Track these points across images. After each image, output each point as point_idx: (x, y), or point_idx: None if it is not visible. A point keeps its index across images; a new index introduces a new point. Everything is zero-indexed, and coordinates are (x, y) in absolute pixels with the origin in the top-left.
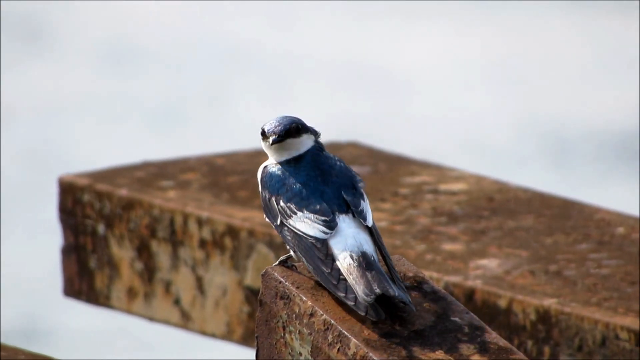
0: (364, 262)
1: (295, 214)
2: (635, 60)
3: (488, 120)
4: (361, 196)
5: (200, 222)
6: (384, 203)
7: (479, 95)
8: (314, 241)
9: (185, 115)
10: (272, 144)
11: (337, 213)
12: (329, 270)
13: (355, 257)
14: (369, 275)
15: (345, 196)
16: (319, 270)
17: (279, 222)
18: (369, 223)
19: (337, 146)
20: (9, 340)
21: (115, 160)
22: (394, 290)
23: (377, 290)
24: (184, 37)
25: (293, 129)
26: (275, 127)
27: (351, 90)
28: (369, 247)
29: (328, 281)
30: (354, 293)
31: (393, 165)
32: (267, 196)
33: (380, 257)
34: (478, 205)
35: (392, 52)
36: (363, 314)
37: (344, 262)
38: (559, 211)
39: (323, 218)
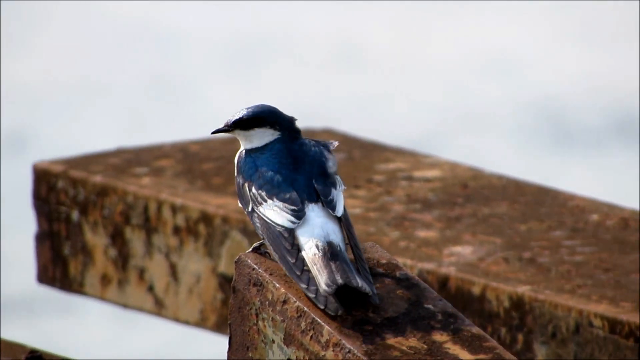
0: (329, 252)
1: (266, 201)
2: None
3: (479, 100)
4: (333, 185)
5: (174, 209)
6: (359, 190)
7: (469, 75)
8: (281, 230)
9: (154, 101)
10: (211, 132)
11: (306, 202)
12: (294, 261)
13: (320, 247)
14: (333, 266)
15: (315, 185)
16: (284, 259)
17: (250, 208)
18: (338, 213)
19: (311, 133)
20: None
21: (88, 147)
22: (357, 281)
23: (340, 281)
24: (152, 23)
25: (244, 121)
26: (232, 116)
27: (329, 71)
28: (336, 237)
29: (292, 271)
30: (316, 285)
31: (367, 152)
32: (241, 182)
33: (350, 247)
34: (452, 192)
35: (368, 30)
36: (322, 307)
37: (310, 252)
38: (533, 198)
39: (292, 207)
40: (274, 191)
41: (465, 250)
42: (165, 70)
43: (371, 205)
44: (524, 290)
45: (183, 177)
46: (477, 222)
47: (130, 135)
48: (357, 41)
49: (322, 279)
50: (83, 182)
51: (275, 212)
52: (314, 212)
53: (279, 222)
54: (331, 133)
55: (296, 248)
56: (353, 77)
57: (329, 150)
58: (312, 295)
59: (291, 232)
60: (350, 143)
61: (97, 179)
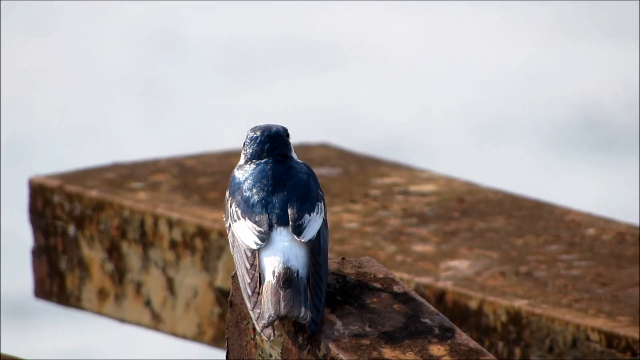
0: (282, 279)
1: (239, 219)
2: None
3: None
4: (309, 210)
5: (170, 224)
6: (355, 204)
7: (453, 71)
8: (246, 249)
9: (131, 120)
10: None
11: (275, 226)
12: (249, 281)
13: (276, 273)
14: (282, 294)
15: (289, 209)
16: (242, 278)
17: (228, 223)
18: (303, 238)
19: (307, 147)
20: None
21: (83, 162)
22: (300, 311)
23: (282, 312)
24: (126, 30)
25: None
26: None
27: (315, 73)
28: (297, 262)
29: (245, 290)
30: (260, 309)
31: (363, 167)
32: (227, 196)
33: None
34: (448, 206)
35: (371, 36)
36: (259, 330)
37: (266, 276)
38: (530, 212)
39: (258, 229)
40: (247, 211)
41: (462, 265)
42: (159, 78)
43: (367, 220)
44: (520, 304)
45: (179, 192)
46: (474, 237)
47: (127, 148)
48: (357, 48)
49: (265, 307)
50: (79, 196)
51: (244, 231)
52: (281, 236)
53: (245, 242)
54: (327, 147)
55: (254, 269)
56: (350, 83)
57: (316, 181)
58: (254, 317)
59: (254, 252)
60: (346, 157)
61: (93, 193)
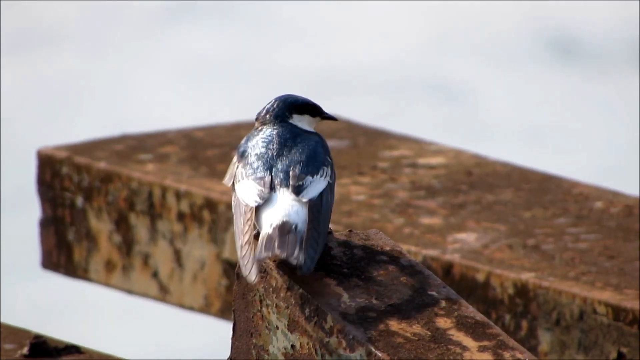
0: (278, 229)
1: (242, 180)
2: None
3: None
4: (312, 173)
5: (178, 195)
6: (363, 177)
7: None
8: (245, 206)
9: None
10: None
11: (278, 187)
12: (244, 229)
13: (273, 225)
14: (277, 240)
15: (291, 171)
16: (237, 229)
17: (231, 183)
18: (303, 197)
19: None
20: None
21: (93, 133)
22: (292, 252)
23: (274, 252)
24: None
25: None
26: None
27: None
28: (297, 217)
29: (238, 236)
30: (249, 257)
31: (372, 139)
32: (234, 160)
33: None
34: (456, 179)
35: None
36: (245, 273)
37: (263, 228)
38: (538, 185)
39: (260, 188)
40: (251, 172)
41: (469, 237)
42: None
43: (375, 192)
44: (528, 277)
45: (187, 164)
46: (482, 209)
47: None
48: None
49: (259, 249)
50: (87, 168)
51: (244, 190)
52: (282, 195)
53: (245, 200)
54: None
55: (250, 221)
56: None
57: (325, 148)
58: (242, 264)
59: (252, 209)
60: (354, 130)
61: (102, 165)
